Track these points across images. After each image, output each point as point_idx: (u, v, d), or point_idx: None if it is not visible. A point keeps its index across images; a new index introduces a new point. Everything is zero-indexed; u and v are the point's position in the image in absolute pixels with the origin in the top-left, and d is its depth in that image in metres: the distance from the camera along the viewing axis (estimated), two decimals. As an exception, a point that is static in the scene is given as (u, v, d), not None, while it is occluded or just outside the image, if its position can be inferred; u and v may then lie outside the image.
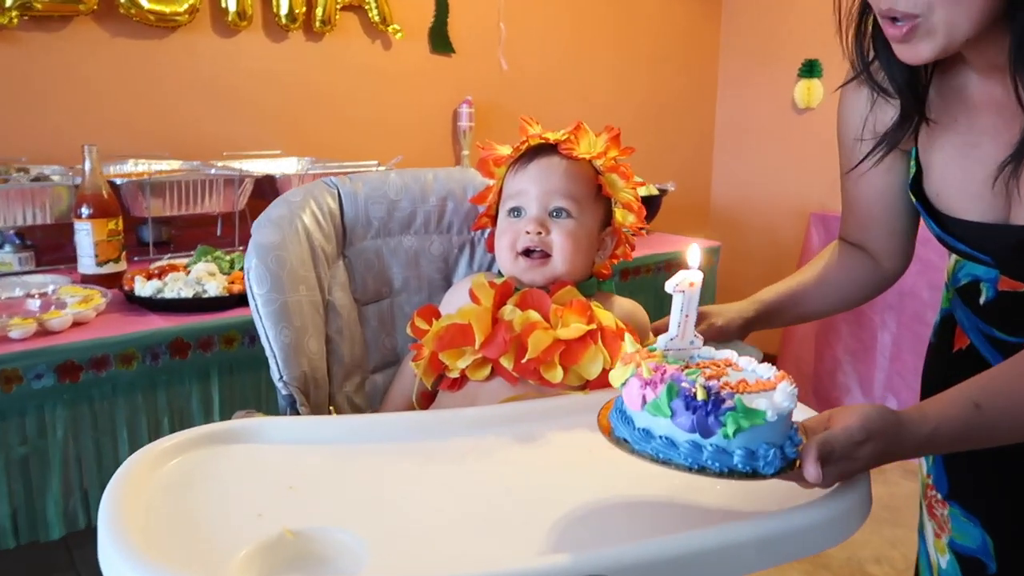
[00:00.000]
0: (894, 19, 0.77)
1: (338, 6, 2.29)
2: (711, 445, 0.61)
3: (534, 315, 0.92)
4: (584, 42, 2.91)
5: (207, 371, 1.38)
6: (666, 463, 0.61)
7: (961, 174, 0.90)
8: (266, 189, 1.91)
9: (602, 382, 0.91)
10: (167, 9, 2.00)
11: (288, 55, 2.26)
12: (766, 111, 3.25)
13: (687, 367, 0.66)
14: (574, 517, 0.69)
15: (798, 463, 0.64)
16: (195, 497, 0.69)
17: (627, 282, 2.10)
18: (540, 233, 0.97)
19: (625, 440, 0.64)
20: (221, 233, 1.96)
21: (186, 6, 2.02)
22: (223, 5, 2.10)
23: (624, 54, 3.04)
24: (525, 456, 0.80)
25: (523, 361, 0.89)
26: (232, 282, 1.47)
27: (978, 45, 0.79)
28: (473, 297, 0.96)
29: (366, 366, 1.09)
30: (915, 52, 0.78)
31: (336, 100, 2.37)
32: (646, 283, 2.14)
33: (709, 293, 2.31)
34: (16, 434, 1.22)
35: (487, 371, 0.93)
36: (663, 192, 2.36)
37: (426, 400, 1.02)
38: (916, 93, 0.88)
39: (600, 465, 0.76)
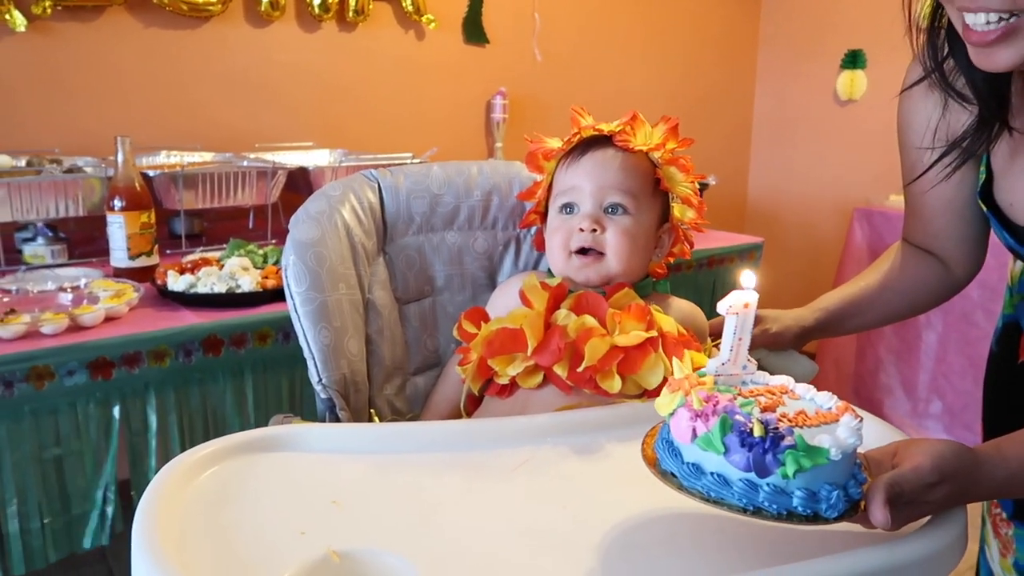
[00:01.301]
0: (987, 23, 0.69)
1: (372, -5, 2.25)
2: (768, 485, 0.55)
3: (590, 320, 0.87)
4: (619, 33, 2.84)
5: (241, 369, 1.34)
6: (718, 503, 0.56)
7: None
8: (299, 181, 1.88)
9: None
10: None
11: (321, 46, 2.23)
12: (807, 103, 3.16)
13: (740, 395, 0.61)
14: (636, 539, 0.64)
15: (863, 504, 0.58)
16: (233, 511, 0.65)
17: (667, 277, 2.03)
18: (595, 231, 0.91)
19: (673, 475, 0.59)
20: (254, 226, 1.93)
21: (219, -4, 1.99)
22: (256, -6, 2.07)
23: (660, 45, 2.97)
24: (582, 470, 0.75)
25: (578, 370, 0.84)
26: (265, 277, 1.43)
27: None
28: (524, 300, 0.91)
29: (407, 368, 1.05)
30: (997, 58, 0.70)
31: (369, 92, 2.33)
32: (685, 280, 2.08)
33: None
34: (50, 434, 1.19)
35: (539, 379, 0.88)
36: (704, 186, 2.29)
37: (472, 405, 0.97)
38: (999, 98, 0.80)
39: (659, 482, 0.70)
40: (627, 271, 0.93)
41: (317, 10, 2.17)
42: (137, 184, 1.53)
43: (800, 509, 0.55)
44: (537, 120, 2.56)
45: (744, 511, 0.55)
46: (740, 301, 0.61)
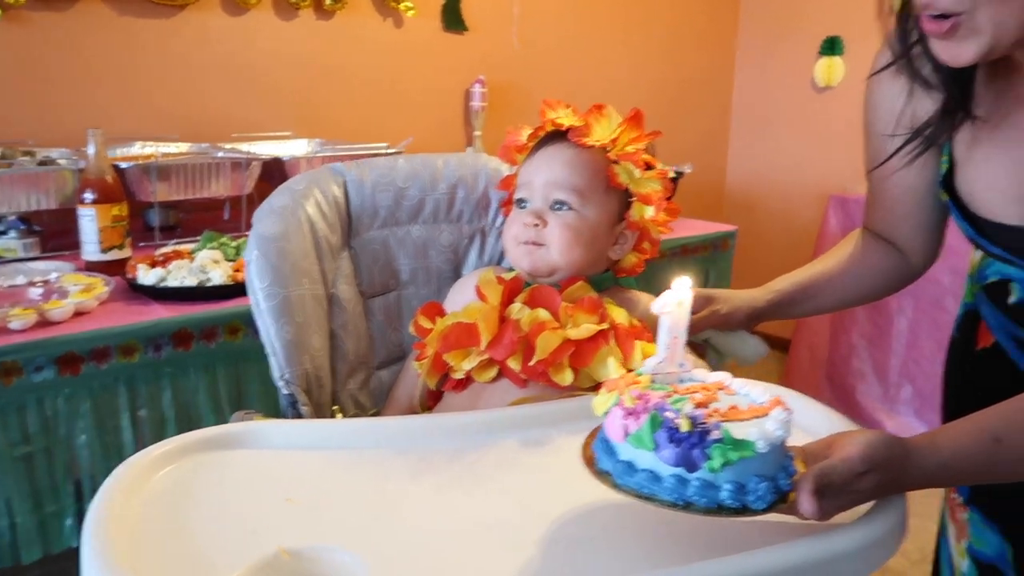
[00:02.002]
0: (943, 16, 0.70)
1: (349, -17, 2.24)
2: (697, 479, 0.57)
3: (543, 314, 0.88)
4: (599, 21, 2.84)
5: (212, 363, 1.35)
6: (649, 499, 0.58)
7: (1004, 175, 0.84)
8: (274, 172, 1.88)
9: (615, 384, 0.87)
10: (174, -13, 1.97)
11: (298, 34, 2.22)
12: (785, 90, 3.17)
13: (675, 392, 0.62)
14: (584, 532, 0.65)
15: (792, 495, 0.60)
16: (185, 511, 0.66)
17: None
18: (537, 226, 0.93)
19: (608, 473, 0.61)
20: (229, 217, 1.93)
21: (193, -16, 1.98)
22: (232, -18, 2.06)
23: (640, 33, 2.96)
24: (534, 463, 0.77)
25: (531, 363, 0.85)
26: (237, 270, 1.44)
27: None
28: (480, 294, 0.92)
29: (371, 362, 1.06)
30: (956, 53, 0.72)
31: (347, 79, 2.33)
32: (660, 268, 2.09)
33: (724, 279, 2.26)
34: (17, 431, 1.20)
35: (494, 372, 0.89)
36: (679, 175, 2.31)
37: (432, 399, 0.98)
38: (962, 86, 0.82)
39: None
40: (572, 264, 0.94)
41: (294, -2, 2.17)
42: (109, 177, 1.52)
43: (729, 502, 0.57)
44: (516, 108, 2.57)
45: (674, 506, 0.57)
46: (673, 300, 0.62)
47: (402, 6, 2.35)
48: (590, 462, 0.63)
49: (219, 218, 1.93)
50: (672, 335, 0.64)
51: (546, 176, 0.93)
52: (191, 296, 1.38)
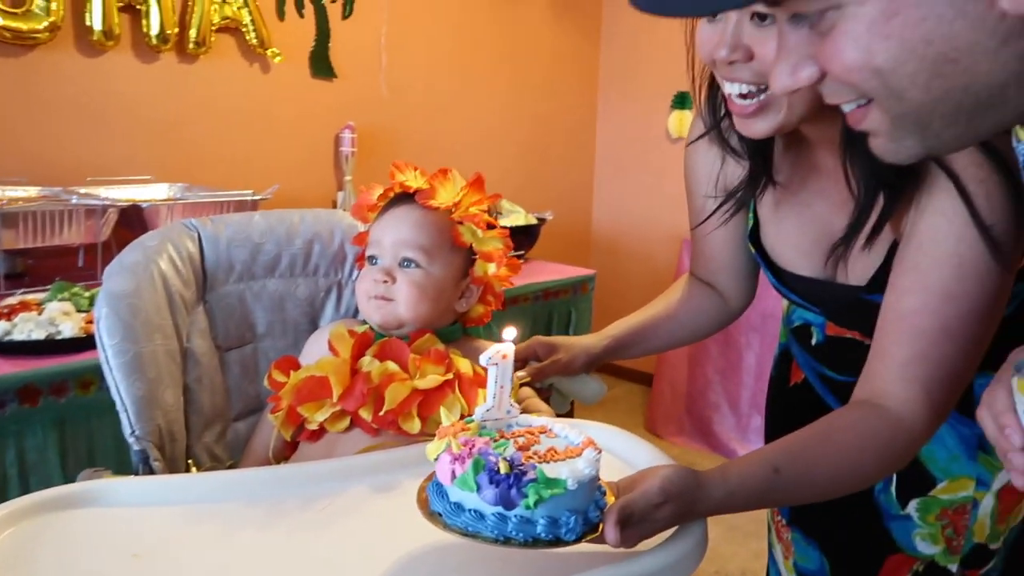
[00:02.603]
0: (742, 96, 0.81)
1: (213, 28, 2.23)
2: (515, 516, 0.63)
3: (392, 366, 0.94)
4: (467, 70, 2.95)
5: (62, 419, 1.31)
6: (474, 536, 0.63)
7: (796, 231, 0.96)
8: (133, 218, 1.83)
9: (462, 429, 0.93)
10: (25, 26, 1.90)
11: (160, 76, 2.19)
12: (642, 140, 3.38)
13: (501, 437, 0.68)
14: (418, 570, 0.70)
15: (602, 527, 0.67)
16: (27, 574, 0.66)
17: (505, 311, 2.13)
18: (386, 282, 0.98)
19: (439, 514, 0.66)
20: (84, 264, 1.87)
21: (45, 24, 1.92)
22: (88, 23, 2.01)
23: (507, 83, 3.10)
24: (382, 507, 0.81)
25: (381, 413, 0.90)
26: (90, 321, 1.41)
27: (813, 121, 0.84)
28: (332, 348, 0.96)
29: (228, 415, 1.07)
30: (754, 128, 0.83)
31: (212, 124, 2.31)
32: (525, 311, 2.19)
33: (585, 319, 2.38)
34: None
35: (346, 423, 0.94)
36: (542, 221, 2.42)
37: (288, 450, 1.01)
38: (764, 155, 0.94)
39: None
40: (419, 318, 1.00)
41: (155, 40, 2.13)
42: (-53, 225, 1.46)
43: (543, 535, 0.63)
44: (387, 153, 2.61)
45: (496, 541, 0.63)
46: (499, 352, 0.69)
47: (269, 52, 2.35)
48: (424, 504, 0.68)
49: (72, 264, 1.86)
50: (499, 384, 0.70)
51: (394, 235, 0.99)
52: (39, 350, 1.34)
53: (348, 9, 2.56)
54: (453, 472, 0.64)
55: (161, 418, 0.94)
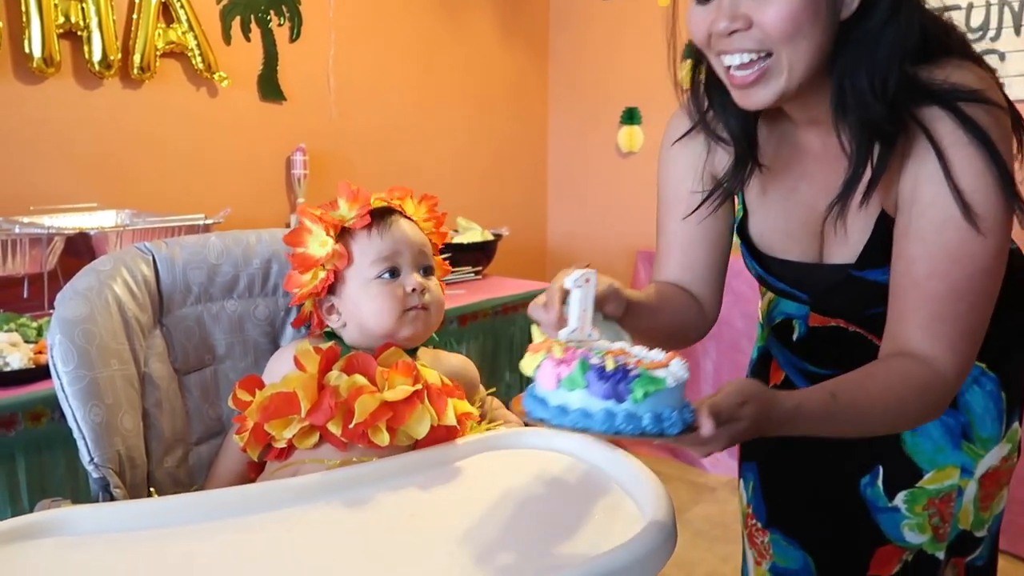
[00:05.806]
0: (742, 67, 0.84)
1: (158, 52, 2.20)
2: (623, 412, 0.66)
3: (360, 379, 0.93)
4: (418, 91, 2.96)
5: (11, 452, 1.27)
6: (585, 431, 0.66)
7: (784, 216, 0.99)
8: (80, 246, 1.79)
9: (431, 440, 0.93)
10: (-42, 54, 1.86)
11: (103, 102, 2.15)
12: (593, 155, 3.43)
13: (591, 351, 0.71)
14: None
15: (694, 427, 0.70)
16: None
17: (465, 327, 2.14)
18: (424, 292, 1.00)
19: (543, 419, 0.68)
20: (29, 295, 1.81)
21: (-21, 50, 1.88)
22: (26, 50, 1.97)
23: (458, 103, 3.12)
24: (354, 522, 0.80)
25: (351, 426, 0.89)
26: (39, 352, 1.36)
27: (800, 98, 0.87)
28: (298, 364, 0.95)
29: (189, 439, 1.05)
30: (756, 97, 0.85)
31: (160, 149, 2.27)
32: (484, 327, 2.19)
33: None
34: None
35: (315, 439, 0.92)
36: (498, 237, 2.43)
37: (255, 471, 0.99)
38: (749, 139, 0.97)
39: (424, 527, 0.78)
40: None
41: (98, 66, 2.09)
42: None
43: (649, 428, 0.66)
44: (339, 175, 2.60)
45: (606, 434, 0.66)
46: (583, 277, 0.72)
47: (216, 76, 2.33)
48: (523, 415, 0.70)
49: (17, 296, 1.80)
50: (582, 307, 0.74)
51: (416, 245, 1.02)
52: (-15, 383, 1.29)
53: (296, 32, 2.55)
54: (558, 375, 0.67)
55: (120, 444, 0.92)
